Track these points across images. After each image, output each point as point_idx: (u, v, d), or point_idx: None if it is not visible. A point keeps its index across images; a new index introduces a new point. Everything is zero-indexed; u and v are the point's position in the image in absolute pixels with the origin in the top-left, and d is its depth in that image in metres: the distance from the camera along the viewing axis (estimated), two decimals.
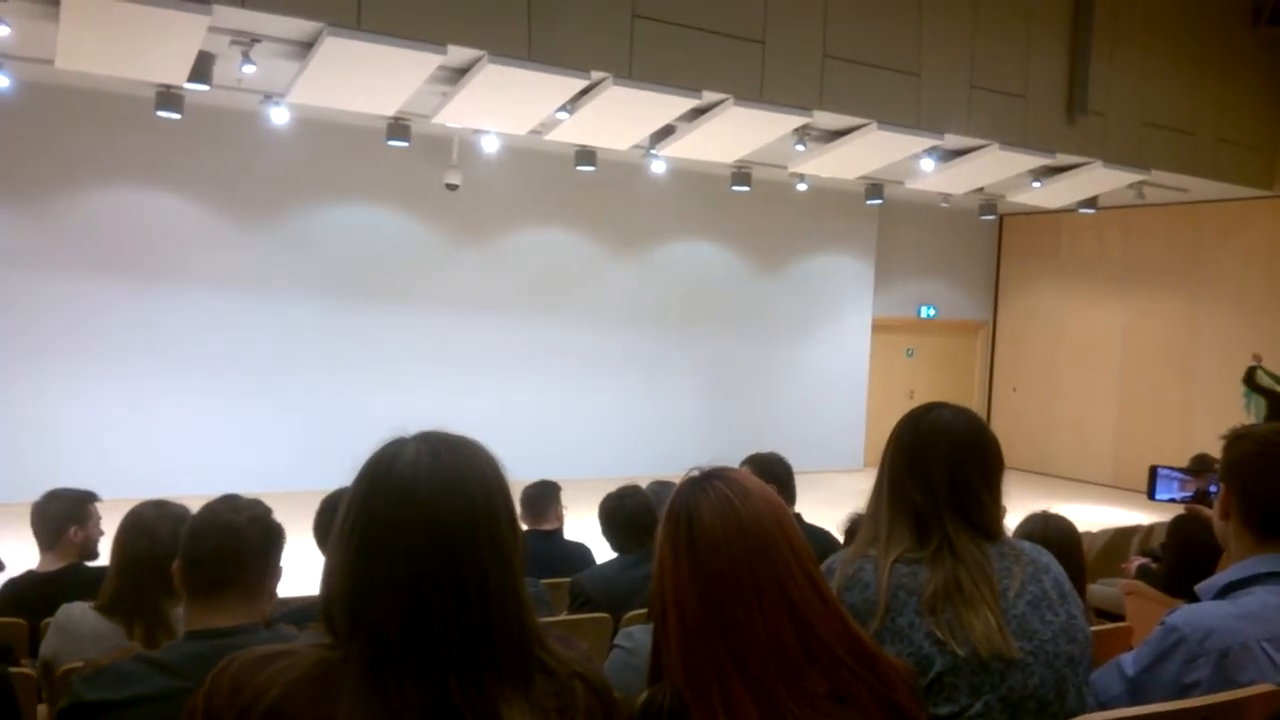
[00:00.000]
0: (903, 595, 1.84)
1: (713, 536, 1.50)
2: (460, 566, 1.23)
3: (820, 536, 4.40)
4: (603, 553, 4.49)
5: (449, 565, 1.23)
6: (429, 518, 1.23)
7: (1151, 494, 3.46)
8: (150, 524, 2.91)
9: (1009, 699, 1.81)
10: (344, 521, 1.27)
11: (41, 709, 2.86)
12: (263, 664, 1.23)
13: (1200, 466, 4.86)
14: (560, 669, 1.31)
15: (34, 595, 3.55)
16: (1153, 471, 3.44)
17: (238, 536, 2.11)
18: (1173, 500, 3.52)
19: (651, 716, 1.48)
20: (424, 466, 1.26)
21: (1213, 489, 3.08)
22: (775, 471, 4.17)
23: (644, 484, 4.42)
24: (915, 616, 1.82)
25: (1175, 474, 3.45)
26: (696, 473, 1.60)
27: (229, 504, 2.19)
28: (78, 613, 2.88)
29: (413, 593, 1.21)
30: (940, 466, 1.93)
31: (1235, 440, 2.25)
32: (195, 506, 2.25)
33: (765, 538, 1.50)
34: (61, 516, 3.72)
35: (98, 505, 3.86)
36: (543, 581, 3.91)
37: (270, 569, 2.17)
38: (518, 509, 1.45)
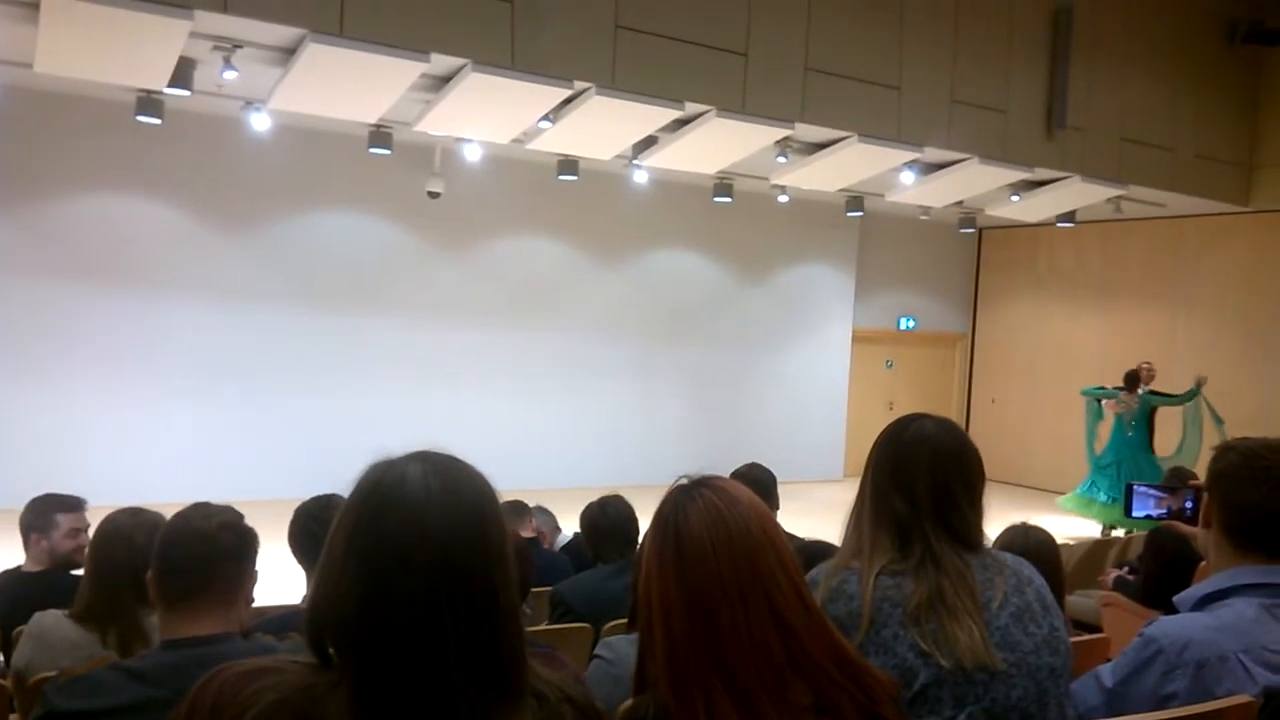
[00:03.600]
0: (887, 607, 1.84)
1: (700, 544, 1.49)
2: (475, 588, 1.22)
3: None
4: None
5: (466, 587, 1.21)
6: (448, 539, 1.21)
7: (1128, 511, 3.49)
8: (126, 532, 2.88)
9: (992, 710, 1.81)
10: (347, 545, 1.23)
11: (13, 718, 2.82)
12: (246, 680, 1.21)
13: (1175, 482, 4.89)
14: (550, 693, 1.29)
15: (12, 593, 3.61)
16: (1128, 489, 3.46)
17: (210, 543, 2.09)
18: (1149, 517, 3.53)
19: None
20: (435, 490, 1.23)
21: (1189, 504, 3.10)
22: (758, 478, 4.18)
23: (624, 494, 4.41)
24: (899, 628, 1.82)
25: (1151, 491, 3.47)
26: (685, 481, 1.60)
27: (200, 511, 2.18)
28: (51, 621, 2.84)
29: (430, 615, 1.19)
30: (923, 477, 1.93)
31: (1223, 451, 2.27)
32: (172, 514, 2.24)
33: (753, 547, 1.50)
34: (25, 525, 3.75)
35: (83, 513, 3.85)
36: None
37: (245, 575, 2.16)
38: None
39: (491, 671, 1.21)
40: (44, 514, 3.76)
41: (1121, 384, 10.88)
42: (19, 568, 3.78)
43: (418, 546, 1.20)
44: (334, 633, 1.21)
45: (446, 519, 1.22)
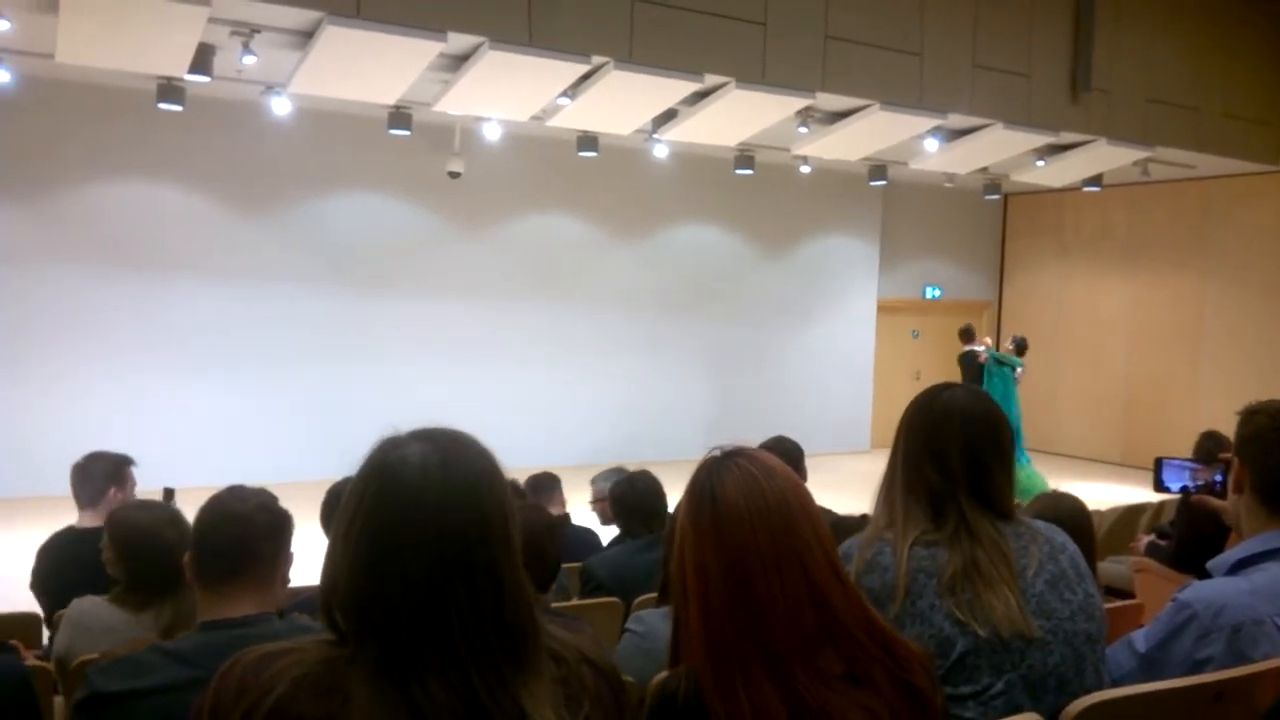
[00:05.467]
0: (922, 578, 1.84)
1: (737, 512, 1.50)
2: (474, 565, 1.24)
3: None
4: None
5: (464, 565, 1.24)
6: (443, 519, 1.24)
7: (1159, 485, 3.42)
8: (145, 525, 2.94)
9: (1029, 677, 1.82)
10: (350, 524, 1.26)
11: (58, 701, 2.87)
12: (268, 661, 1.24)
13: (1210, 448, 4.82)
14: (569, 654, 1.32)
15: (73, 549, 3.69)
16: (1158, 463, 3.41)
17: (247, 525, 2.12)
18: (1185, 489, 3.48)
19: (667, 701, 1.48)
20: (433, 467, 1.26)
21: (1219, 479, 3.05)
22: (786, 451, 4.18)
23: (651, 469, 4.42)
24: (935, 598, 1.82)
25: (1184, 464, 3.41)
26: (718, 452, 1.61)
27: (235, 494, 2.21)
28: (89, 605, 2.89)
29: (429, 594, 1.22)
30: (955, 447, 1.93)
31: (1250, 415, 2.25)
32: (201, 499, 2.26)
33: (788, 515, 1.51)
34: (103, 476, 3.89)
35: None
36: None
37: (281, 556, 2.19)
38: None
39: (501, 643, 1.24)
40: (120, 467, 3.95)
41: (1012, 350, 11.23)
42: (71, 527, 3.87)
43: (416, 528, 1.23)
44: (345, 611, 1.25)
45: (442, 500, 1.25)
